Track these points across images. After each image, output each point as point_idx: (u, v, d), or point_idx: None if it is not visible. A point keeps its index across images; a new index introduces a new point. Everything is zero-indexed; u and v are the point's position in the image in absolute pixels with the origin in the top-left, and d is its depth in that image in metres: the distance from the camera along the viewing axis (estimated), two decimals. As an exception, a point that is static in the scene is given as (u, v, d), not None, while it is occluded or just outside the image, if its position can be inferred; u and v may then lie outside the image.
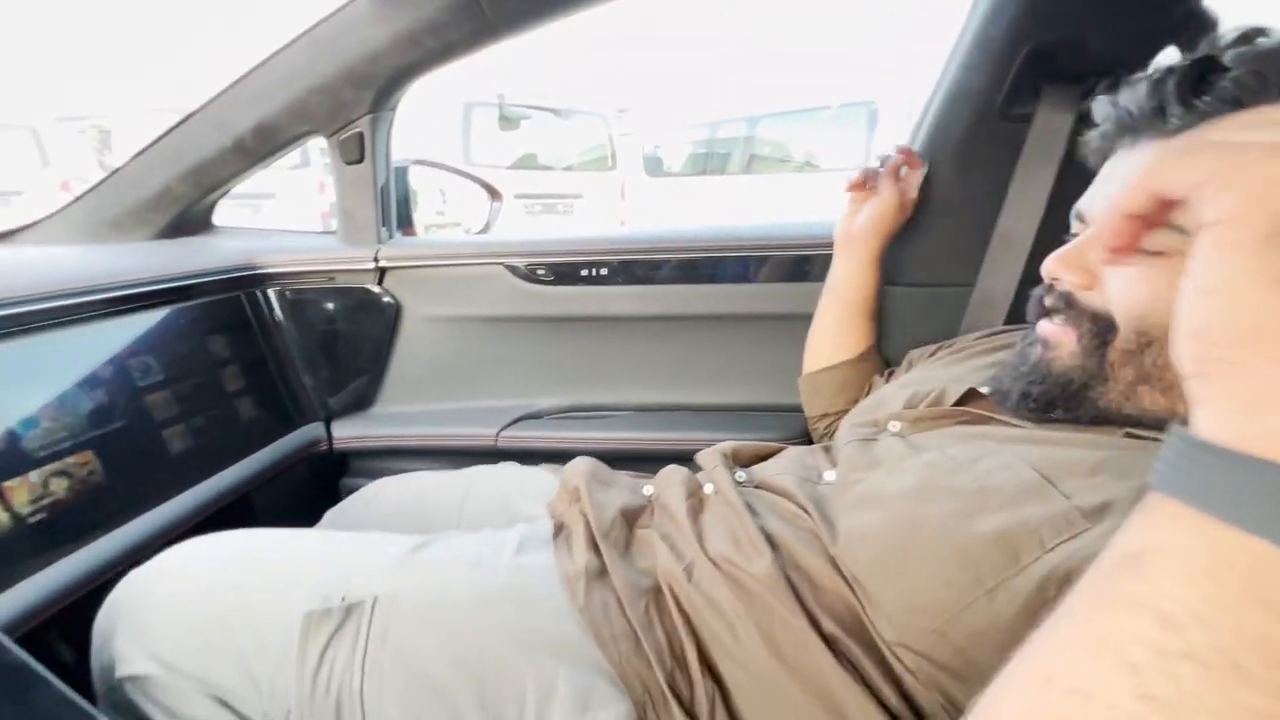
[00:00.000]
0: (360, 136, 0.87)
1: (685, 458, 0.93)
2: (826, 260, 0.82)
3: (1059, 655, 0.22)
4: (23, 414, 0.61)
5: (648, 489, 0.63)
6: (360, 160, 0.89)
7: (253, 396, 0.88)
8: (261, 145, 0.86)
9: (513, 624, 0.48)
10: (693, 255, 0.92)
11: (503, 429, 0.94)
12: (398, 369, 1.00)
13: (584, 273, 0.92)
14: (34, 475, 0.61)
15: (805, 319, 0.83)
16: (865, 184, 0.77)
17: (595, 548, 0.54)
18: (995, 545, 0.39)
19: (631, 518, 0.59)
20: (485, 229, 1.23)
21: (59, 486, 0.62)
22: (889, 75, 4.92)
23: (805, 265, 0.89)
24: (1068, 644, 0.22)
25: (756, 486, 0.58)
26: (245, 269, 0.90)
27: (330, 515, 0.76)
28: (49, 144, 6.54)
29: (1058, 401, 0.47)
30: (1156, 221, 0.23)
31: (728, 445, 0.67)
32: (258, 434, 0.87)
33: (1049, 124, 0.73)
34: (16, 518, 0.58)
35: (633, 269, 0.92)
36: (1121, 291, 0.43)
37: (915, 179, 0.78)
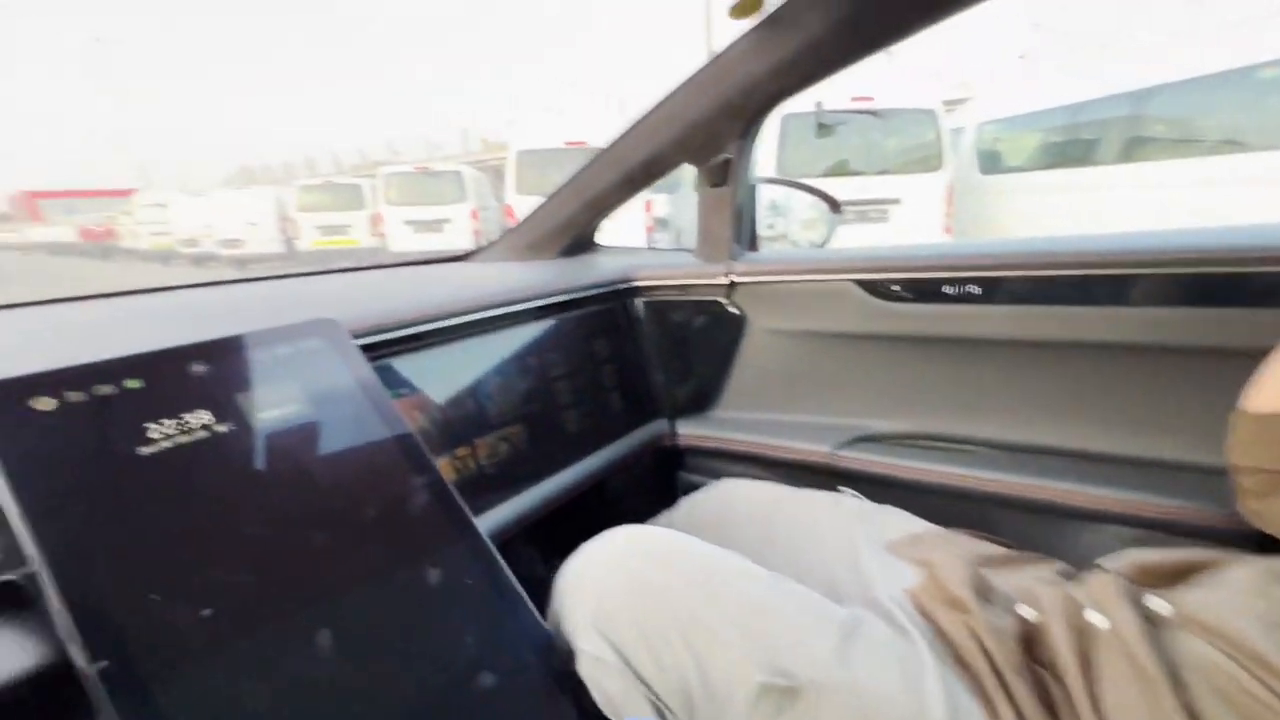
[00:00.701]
0: (727, 162, 0.95)
1: (1053, 512, 0.78)
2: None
3: None
4: (486, 392, 0.81)
5: (1025, 611, 0.51)
6: (724, 183, 0.97)
7: (618, 392, 1.03)
8: (645, 176, 1.00)
9: None
10: (1093, 271, 0.76)
11: (839, 447, 0.92)
12: (739, 377, 1.06)
13: (947, 289, 0.84)
14: (490, 437, 0.80)
15: (1251, 355, 0.60)
16: None
17: (1004, 685, 0.45)
18: None
19: (1025, 649, 0.48)
20: (824, 243, 1.21)
21: (502, 448, 0.82)
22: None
23: (1259, 285, 0.66)
24: None
25: (1181, 627, 0.42)
26: (622, 282, 1.06)
27: (685, 505, 0.84)
28: (468, 182, 8.80)
29: None
30: None
31: (1132, 557, 0.50)
32: (620, 424, 1.01)
33: None
34: (480, 467, 0.78)
35: (1010, 286, 0.80)
36: None
37: None
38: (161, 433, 0.39)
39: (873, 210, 4.78)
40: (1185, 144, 4.31)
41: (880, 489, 0.85)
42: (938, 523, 0.72)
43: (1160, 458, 0.76)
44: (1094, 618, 0.46)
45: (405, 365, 0.72)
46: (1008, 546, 0.64)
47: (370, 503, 0.44)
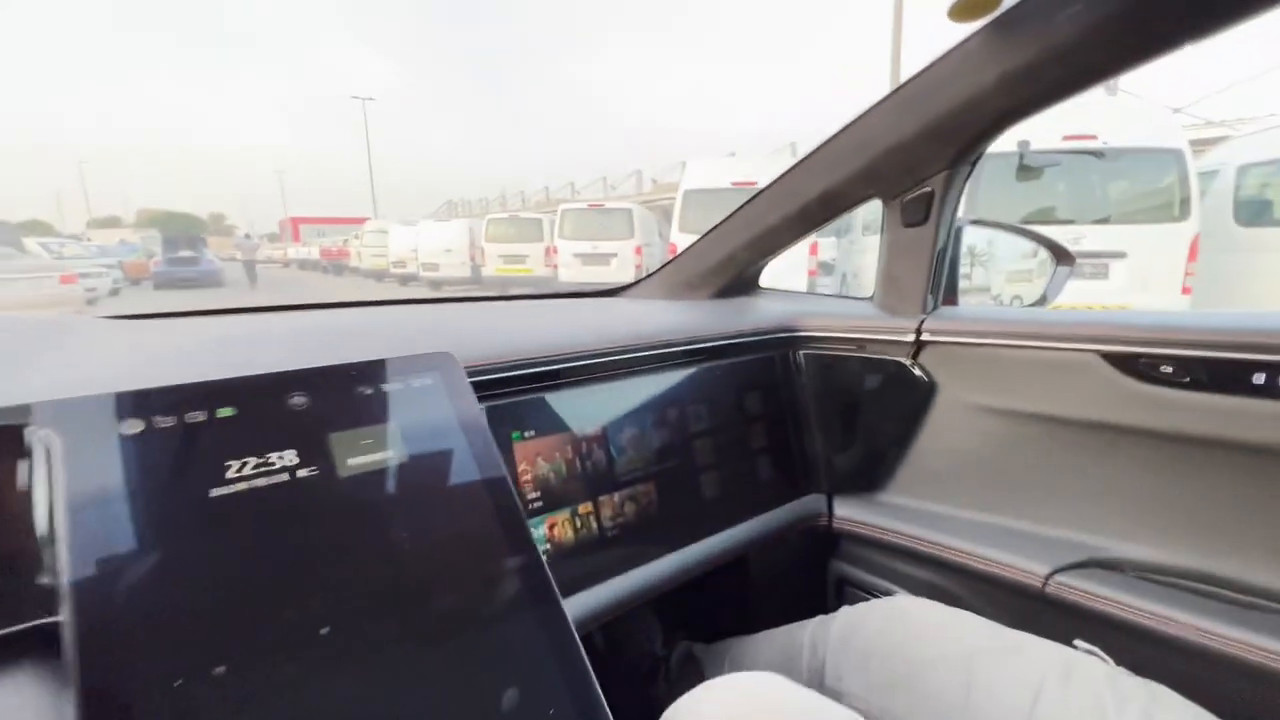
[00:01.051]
0: (929, 196, 0.78)
1: None
2: None
3: None
4: (618, 442, 0.72)
5: None
6: (923, 222, 0.80)
7: (770, 456, 0.88)
8: (822, 212, 0.86)
9: None
10: None
11: (1061, 571, 0.69)
12: (918, 457, 0.87)
13: (1256, 378, 0.59)
14: (618, 494, 0.71)
15: None
16: None
17: None
18: None
19: None
20: (1041, 301, 0.98)
21: (629, 510, 0.72)
22: None
23: None
24: None
25: None
26: (784, 330, 0.93)
27: (846, 621, 0.67)
28: (636, 220, 9.19)
29: None
30: None
31: None
32: (768, 495, 0.87)
33: None
34: (601, 529, 0.69)
35: None
36: None
37: None
38: (239, 473, 0.34)
39: (1088, 264, 4.09)
40: None
41: (1128, 646, 0.62)
42: (1220, 712, 0.49)
43: None
44: None
45: (532, 405, 0.66)
46: None
47: (439, 573, 0.36)
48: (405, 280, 14.17)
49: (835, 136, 0.80)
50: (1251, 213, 4.70)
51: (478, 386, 0.62)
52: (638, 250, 8.98)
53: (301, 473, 0.35)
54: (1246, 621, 0.59)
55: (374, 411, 0.40)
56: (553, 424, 0.67)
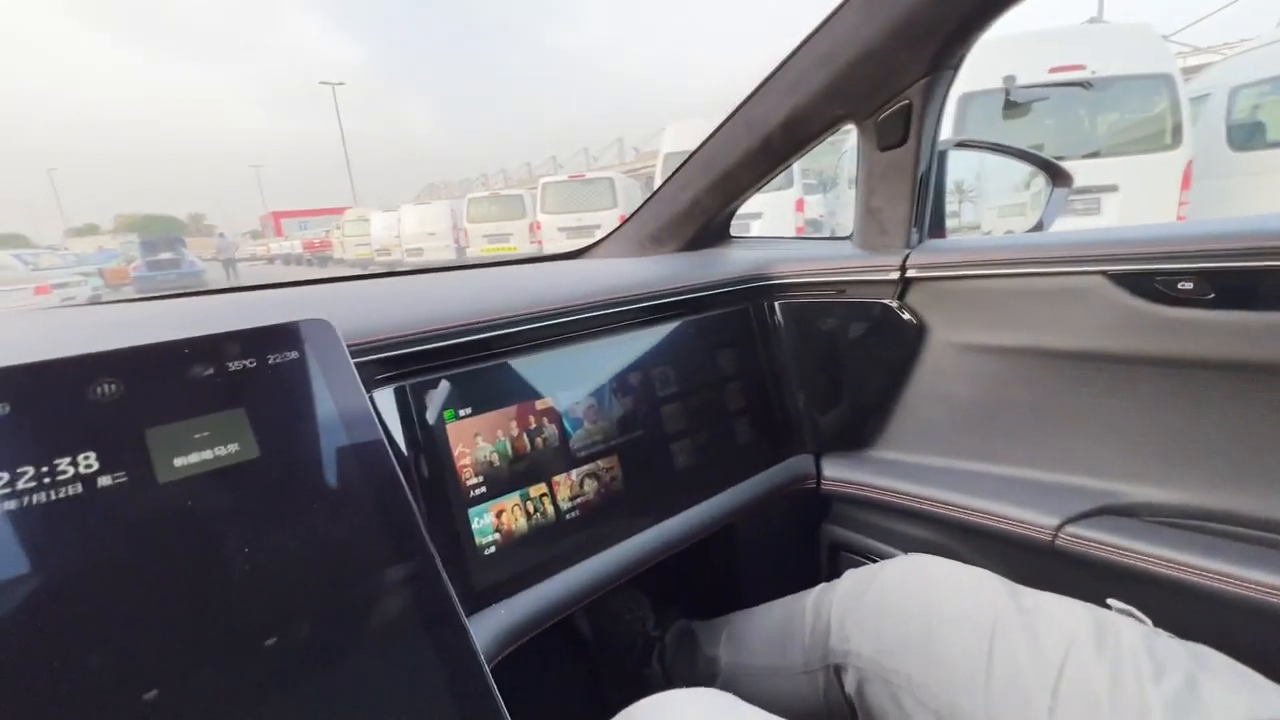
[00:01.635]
0: (906, 111, 0.69)
1: None
2: None
3: None
4: (574, 414, 0.64)
5: None
6: (901, 142, 0.71)
7: (749, 418, 0.81)
8: (788, 142, 0.77)
9: None
10: None
11: (1073, 520, 0.62)
12: (910, 407, 0.79)
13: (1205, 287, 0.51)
14: (575, 473, 0.63)
15: None
16: None
17: None
18: None
19: None
20: (1038, 226, 0.89)
21: (591, 487, 0.64)
22: None
23: None
24: None
25: None
26: (753, 280, 0.84)
27: (850, 586, 0.62)
28: (618, 189, 9.02)
29: None
30: None
31: None
32: (750, 460, 0.80)
33: None
34: (559, 511, 0.61)
35: None
36: None
37: None
38: (10, 489, 0.26)
39: (1079, 200, 3.97)
40: None
41: (1147, 597, 0.55)
42: (1266, 669, 0.42)
43: None
44: None
45: (470, 378, 0.58)
46: None
47: (296, 601, 0.28)
48: (390, 267, 13.99)
49: (795, 52, 0.70)
50: (1245, 136, 4.58)
51: (401, 360, 0.54)
52: (621, 219, 8.81)
53: (104, 481, 0.27)
54: (1265, 561, 0.52)
55: (213, 398, 0.31)
56: (495, 399, 0.59)
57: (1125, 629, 0.46)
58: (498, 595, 0.55)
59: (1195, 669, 0.42)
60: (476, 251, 10.87)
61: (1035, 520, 0.64)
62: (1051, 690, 0.44)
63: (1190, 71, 5.43)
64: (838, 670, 0.61)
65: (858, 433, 0.84)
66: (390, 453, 0.34)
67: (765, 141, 0.77)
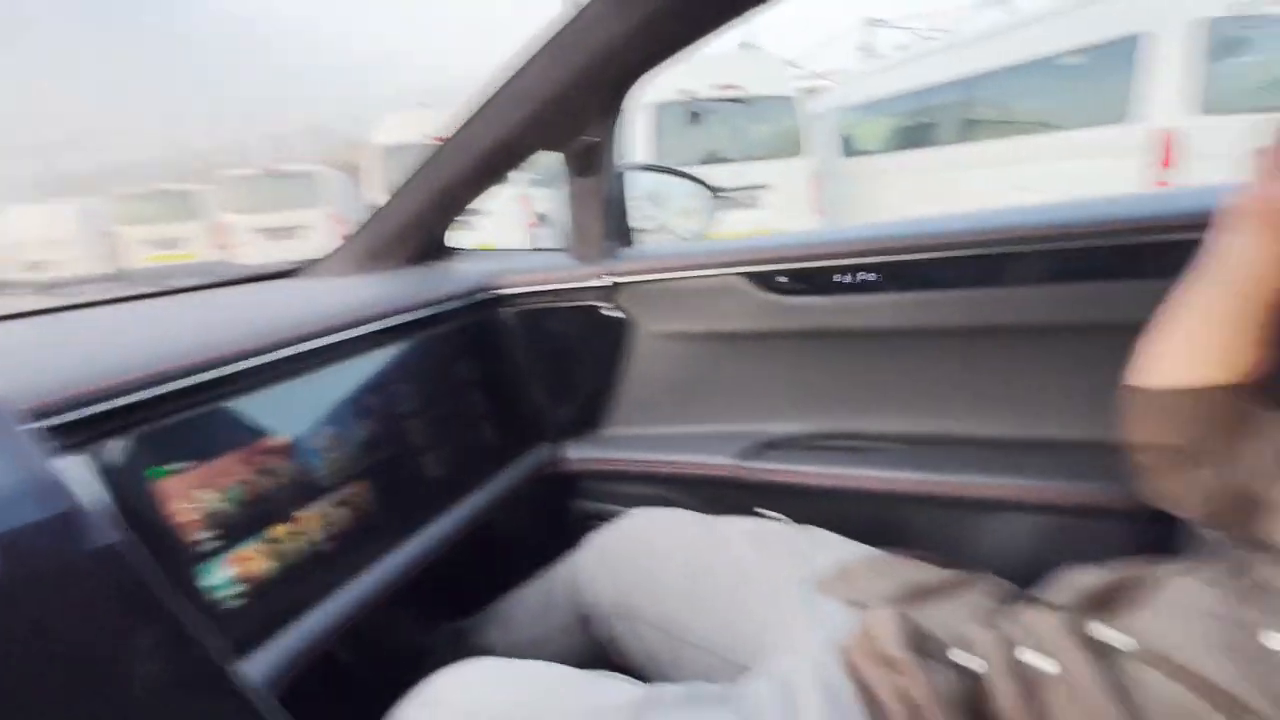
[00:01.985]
0: (594, 145, 0.82)
1: (968, 506, 0.75)
2: (1167, 249, 0.60)
3: None
4: (311, 448, 0.64)
5: (964, 659, 0.45)
6: (592, 171, 0.85)
7: (490, 421, 0.88)
8: (501, 164, 0.85)
9: None
10: (978, 252, 0.72)
11: (743, 457, 0.84)
12: (629, 389, 0.95)
13: (838, 279, 0.77)
14: (321, 504, 0.63)
15: (1128, 329, 0.56)
16: None
17: None
18: None
19: (968, 709, 0.42)
20: (705, 231, 1.13)
21: (340, 515, 0.65)
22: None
23: (1137, 257, 0.66)
24: None
25: (1134, 659, 0.38)
26: (482, 292, 0.91)
27: (595, 545, 0.73)
28: (322, 183, 8.08)
29: None
30: None
31: (1068, 581, 0.46)
32: (495, 458, 0.87)
33: None
34: (311, 545, 0.61)
35: (900, 272, 0.76)
36: None
37: None
38: None
39: (744, 196, 4.89)
40: (1007, 125, 4.78)
41: (795, 500, 0.78)
42: (858, 534, 0.66)
43: (1064, 438, 0.74)
44: (1040, 661, 0.41)
45: (179, 429, 0.54)
46: (934, 562, 0.59)
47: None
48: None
49: (503, 86, 0.78)
50: (851, 147, 6.13)
51: (85, 423, 0.48)
52: (335, 218, 7.92)
53: None
54: (864, 461, 0.79)
55: None
56: (217, 445, 0.56)
57: (773, 528, 0.66)
58: (259, 640, 0.53)
59: (801, 536, 0.63)
60: (138, 263, 8.70)
61: (720, 462, 0.85)
62: (731, 588, 0.61)
63: (811, 93, 7.04)
64: (590, 621, 0.73)
65: (590, 417, 0.97)
66: (98, 525, 0.33)
67: (479, 162, 0.84)
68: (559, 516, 1.00)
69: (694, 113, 4.89)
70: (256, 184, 8.00)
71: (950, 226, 0.74)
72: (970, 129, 4.97)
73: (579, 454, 0.95)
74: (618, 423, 0.97)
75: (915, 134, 5.46)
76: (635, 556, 0.69)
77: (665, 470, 0.89)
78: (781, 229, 4.21)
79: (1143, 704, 0.35)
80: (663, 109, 4.72)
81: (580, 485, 0.99)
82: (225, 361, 0.57)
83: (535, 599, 0.79)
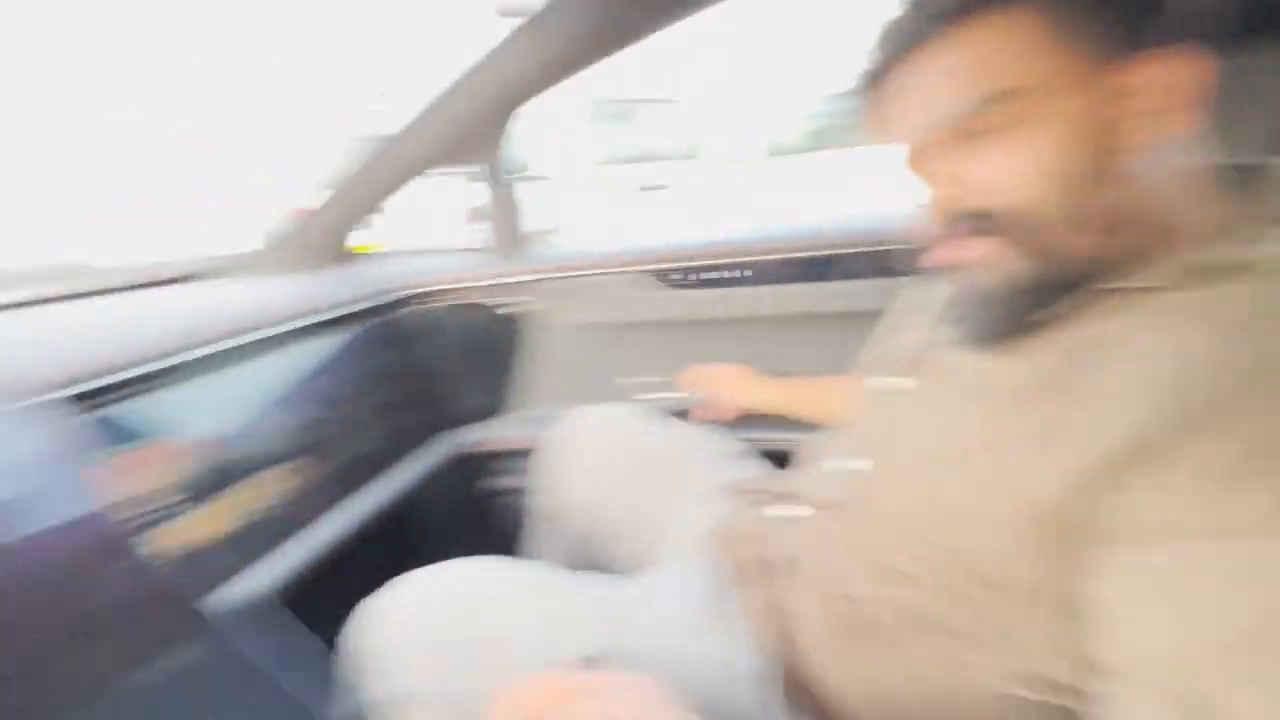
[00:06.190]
0: (494, 160, 0.96)
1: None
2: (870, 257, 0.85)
3: None
4: (236, 435, 0.73)
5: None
6: (502, 180, 0.98)
7: (401, 411, 0.98)
8: (413, 175, 0.95)
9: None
10: (821, 253, 0.89)
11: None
12: (542, 374, 1.08)
13: (719, 275, 0.94)
14: (244, 486, 0.72)
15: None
16: None
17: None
18: None
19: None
20: (554, 231, 1.25)
21: (259, 498, 0.73)
22: None
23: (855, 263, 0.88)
24: None
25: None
26: (402, 290, 1.02)
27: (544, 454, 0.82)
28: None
29: None
30: None
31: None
32: (407, 445, 0.98)
33: None
34: (242, 518, 0.71)
35: (766, 269, 0.92)
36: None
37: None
38: None
39: (653, 195, 5.31)
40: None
41: None
42: None
43: None
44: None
45: (123, 416, 0.63)
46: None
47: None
48: None
49: (425, 111, 0.88)
50: (774, 146, 6.35)
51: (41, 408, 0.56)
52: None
53: None
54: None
55: None
56: (134, 437, 0.64)
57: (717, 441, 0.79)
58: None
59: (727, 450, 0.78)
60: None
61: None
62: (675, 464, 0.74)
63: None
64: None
65: (506, 401, 1.10)
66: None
67: (396, 174, 0.94)
68: (478, 494, 1.11)
69: (616, 114, 5.16)
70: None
71: (804, 231, 0.91)
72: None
73: (488, 434, 1.06)
74: (534, 405, 1.10)
75: (831, 135, 5.77)
76: (593, 444, 0.77)
77: None
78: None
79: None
80: (598, 106, 5.01)
81: (493, 465, 1.10)
82: (168, 352, 0.67)
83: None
